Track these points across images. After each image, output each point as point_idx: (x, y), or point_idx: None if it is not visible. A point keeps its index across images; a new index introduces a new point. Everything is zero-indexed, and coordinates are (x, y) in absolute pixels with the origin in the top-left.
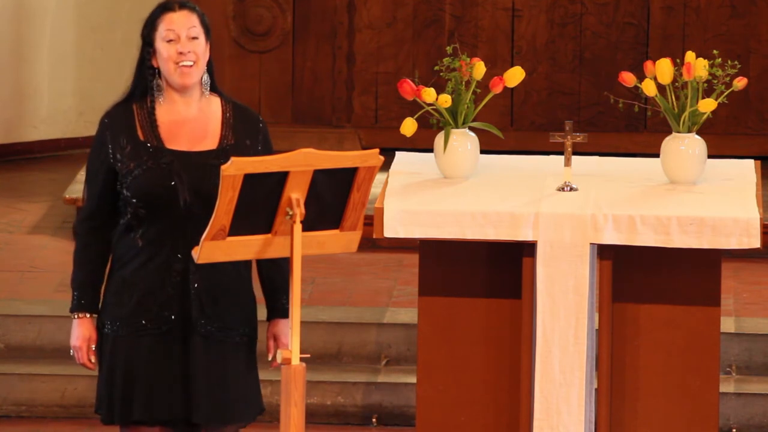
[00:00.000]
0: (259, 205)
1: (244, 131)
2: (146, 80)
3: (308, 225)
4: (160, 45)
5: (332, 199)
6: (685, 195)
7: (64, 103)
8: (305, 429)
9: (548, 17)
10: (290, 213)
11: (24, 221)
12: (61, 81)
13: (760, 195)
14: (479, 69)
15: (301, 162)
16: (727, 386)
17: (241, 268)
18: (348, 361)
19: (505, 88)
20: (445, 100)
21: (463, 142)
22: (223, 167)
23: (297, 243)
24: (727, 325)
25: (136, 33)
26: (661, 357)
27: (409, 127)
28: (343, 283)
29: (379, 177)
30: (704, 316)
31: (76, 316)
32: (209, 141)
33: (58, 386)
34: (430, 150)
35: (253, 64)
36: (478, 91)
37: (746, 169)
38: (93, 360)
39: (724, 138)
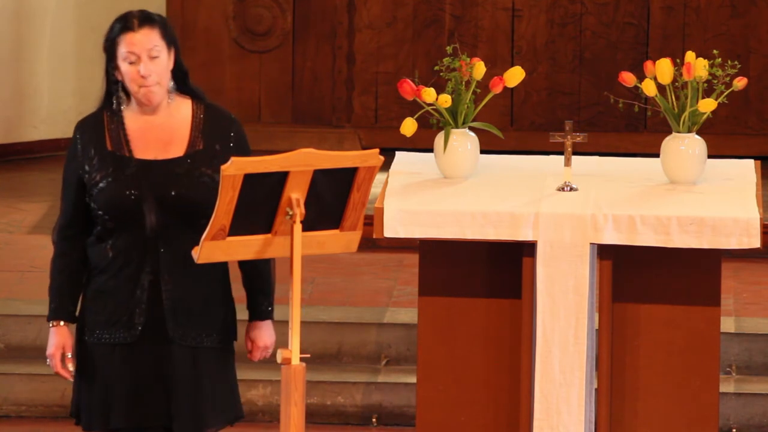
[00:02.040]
0: (259, 205)
1: (214, 135)
2: (111, 92)
3: (308, 225)
4: (122, 65)
5: (332, 199)
6: (685, 195)
7: (64, 103)
8: (305, 429)
9: (548, 17)
10: (290, 213)
11: (24, 221)
12: (61, 81)
13: (760, 195)
14: (479, 69)
15: (301, 162)
16: (727, 386)
17: (216, 274)
18: (348, 361)
19: (505, 88)
20: (445, 100)
21: (463, 142)
22: (223, 167)
23: (297, 243)
24: (727, 325)
25: None
26: (661, 357)
27: (409, 127)
28: (343, 283)
29: (379, 177)
30: (704, 316)
31: (51, 324)
32: (177, 148)
33: (58, 386)
34: (430, 150)
35: (253, 64)
36: (478, 91)
37: (746, 169)
38: (70, 368)
39: (724, 138)
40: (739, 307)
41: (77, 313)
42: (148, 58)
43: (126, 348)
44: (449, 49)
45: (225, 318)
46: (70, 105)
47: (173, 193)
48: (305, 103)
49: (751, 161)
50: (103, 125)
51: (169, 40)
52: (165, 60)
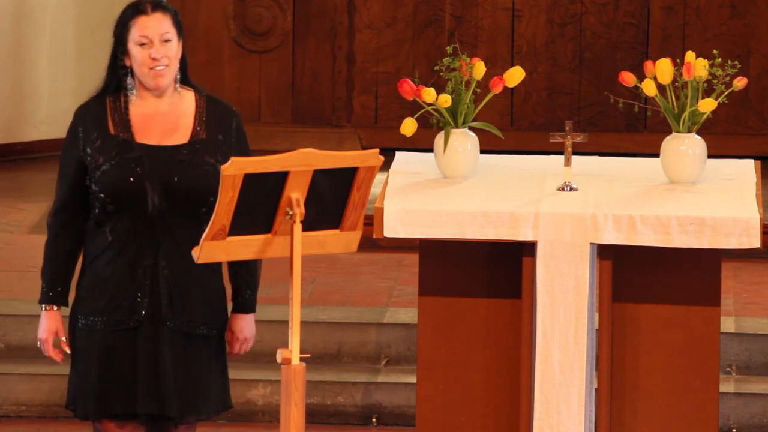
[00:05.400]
0: (259, 205)
1: (216, 125)
2: (118, 78)
3: (308, 225)
4: (133, 48)
5: (332, 199)
6: (685, 195)
7: (64, 103)
8: (305, 429)
9: (548, 17)
10: (290, 213)
11: (24, 221)
12: (61, 81)
13: (760, 195)
14: (479, 69)
15: (301, 162)
16: (727, 386)
17: (212, 264)
18: (348, 361)
19: (505, 88)
20: (445, 100)
21: (463, 142)
22: (223, 167)
23: (297, 243)
24: (727, 325)
25: None
26: (661, 357)
27: (409, 127)
28: (343, 283)
29: (379, 177)
30: (704, 316)
31: (44, 308)
32: (180, 135)
33: (58, 386)
34: (430, 150)
35: (253, 64)
36: (478, 91)
37: (746, 169)
38: (67, 351)
39: (724, 138)
40: (739, 307)
41: (70, 302)
42: (160, 41)
43: (128, 332)
44: (449, 49)
45: (219, 308)
46: (70, 105)
47: (176, 179)
48: (305, 103)
49: (751, 161)
50: (105, 109)
51: (179, 29)
52: (176, 45)
